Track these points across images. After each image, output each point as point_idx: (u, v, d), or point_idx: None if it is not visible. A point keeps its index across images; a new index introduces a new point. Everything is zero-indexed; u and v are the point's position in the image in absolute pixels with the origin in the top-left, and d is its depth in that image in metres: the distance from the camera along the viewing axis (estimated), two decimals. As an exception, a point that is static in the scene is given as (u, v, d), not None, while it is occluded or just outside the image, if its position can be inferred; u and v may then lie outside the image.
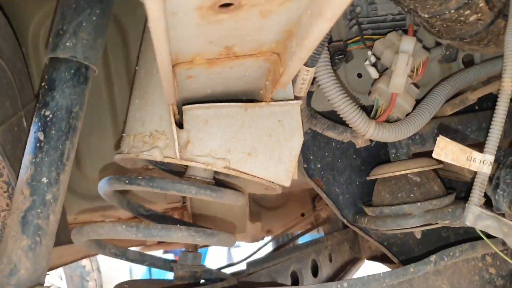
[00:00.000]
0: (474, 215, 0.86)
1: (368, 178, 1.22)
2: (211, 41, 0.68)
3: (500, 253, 1.02)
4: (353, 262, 2.10)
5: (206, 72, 0.80)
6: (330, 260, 1.92)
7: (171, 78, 0.69)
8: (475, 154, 0.85)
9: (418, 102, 1.18)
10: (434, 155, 0.88)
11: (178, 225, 0.94)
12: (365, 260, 2.21)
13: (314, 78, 1.04)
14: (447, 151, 0.86)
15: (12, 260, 0.87)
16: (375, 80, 1.18)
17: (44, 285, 0.89)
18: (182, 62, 0.73)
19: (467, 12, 0.85)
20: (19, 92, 1.24)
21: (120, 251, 1.17)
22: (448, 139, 0.87)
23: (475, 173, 0.87)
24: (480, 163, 0.85)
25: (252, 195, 2.43)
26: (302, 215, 2.87)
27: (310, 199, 2.81)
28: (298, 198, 2.86)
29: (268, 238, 3.31)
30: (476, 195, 0.86)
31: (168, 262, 1.18)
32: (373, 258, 2.16)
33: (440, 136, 0.89)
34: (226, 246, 1.07)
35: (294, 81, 0.99)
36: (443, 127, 1.17)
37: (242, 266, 1.48)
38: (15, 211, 0.91)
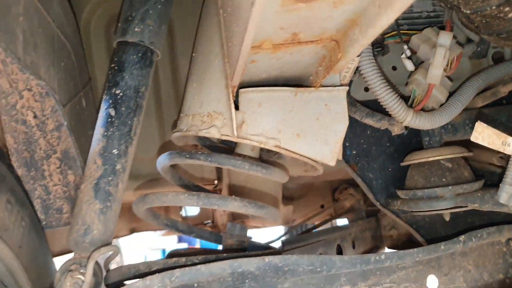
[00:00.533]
0: (508, 194, 0.94)
1: (402, 164, 1.30)
2: (282, 28, 0.76)
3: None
4: (375, 249, 2.18)
5: (268, 57, 0.89)
6: (353, 247, 2.01)
7: (245, 63, 0.78)
8: (510, 139, 0.93)
9: (450, 94, 1.25)
10: (472, 138, 0.96)
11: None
12: (386, 248, 2.29)
13: (357, 67, 1.12)
14: (484, 135, 0.93)
15: (86, 222, 0.96)
16: (411, 72, 1.26)
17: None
18: (252, 47, 0.82)
19: (507, 9, 0.92)
20: (79, 74, 1.34)
21: (171, 223, 1.26)
22: (485, 125, 0.94)
23: (509, 157, 0.95)
24: (514, 147, 0.92)
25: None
26: (322, 206, 2.95)
27: (331, 191, 2.88)
28: (318, 190, 2.93)
29: (284, 230, 3.40)
30: (510, 176, 0.94)
31: (214, 234, 1.27)
32: (394, 246, 2.24)
33: (479, 121, 0.96)
34: (272, 219, 1.15)
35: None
36: (476, 117, 1.25)
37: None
38: (88, 178, 1.00)
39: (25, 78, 1.30)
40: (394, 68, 1.36)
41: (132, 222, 2.83)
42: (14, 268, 1.04)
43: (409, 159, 1.26)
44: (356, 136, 1.38)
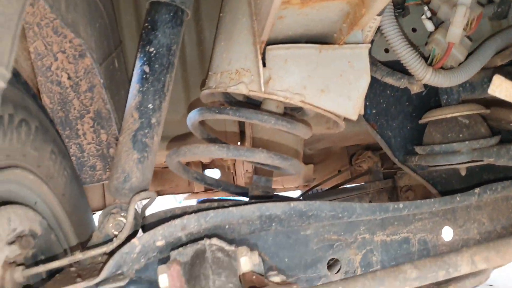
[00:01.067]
0: (522, 143, 0.98)
1: (421, 121, 1.34)
2: (311, -17, 0.80)
3: None
4: (391, 211, 2.24)
5: (296, 13, 0.93)
6: (370, 207, 2.06)
7: (275, 17, 0.82)
8: (527, 91, 0.96)
9: (469, 54, 1.28)
10: (489, 91, 0.99)
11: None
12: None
13: (378, 27, 1.15)
14: (502, 88, 0.97)
15: (125, 170, 1.03)
16: (431, 32, 1.29)
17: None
18: (281, 1, 0.86)
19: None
20: (111, 36, 1.39)
21: (200, 176, 1.33)
22: (503, 78, 0.97)
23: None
24: (530, 99, 0.96)
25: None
26: (339, 172, 3.01)
27: (348, 157, 2.93)
28: (336, 156, 2.99)
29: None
30: (525, 127, 0.98)
31: (240, 188, 1.34)
32: (410, 207, 2.29)
33: (496, 74, 0.99)
34: (296, 172, 1.21)
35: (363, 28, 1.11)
36: (487, 77, 1.28)
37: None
38: (126, 131, 1.07)
39: (59, 41, 1.37)
40: (414, 30, 1.38)
41: (157, 186, 2.94)
42: (59, 214, 1.12)
43: (428, 116, 1.30)
44: (376, 96, 1.42)
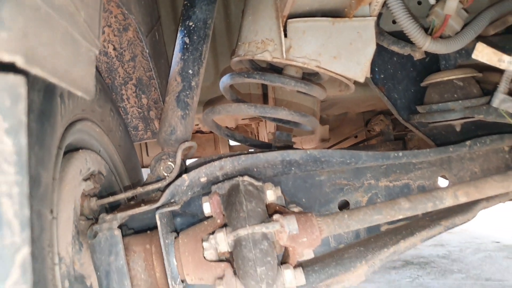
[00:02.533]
0: (499, 99, 1.14)
1: (422, 84, 1.51)
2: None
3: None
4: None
5: (312, -8, 1.10)
6: (381, 165, 2.24)
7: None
8: (505, 56, 1.12)
9: (466, 24, 1.43)
10: (473, 56, 1.16)
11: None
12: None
13: (385, 1, 1.31)
14: (483, 53, 1.13)
15: (171, 125, 1.24)
16: (432, 5, 1.44)
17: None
18: (299, -17, 1.03)
19: None
20: (153, 11, 1.59)
21: (230, 133, 1.54)
22: (484, 45, 1.14)
23: (503, 71, 1.15)
24: (508, 63, 1.12)
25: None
26: (355, 137, 3.19)
27: (364, 122, 3.10)
28: (352, 121, 3.16)
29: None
30: (503, 86, 1.14)
31: (265, 143, 1.54)
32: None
33: (479, 42, 1.15)
34: (312, 127, 1.39)
35: (369, 3, 1.27)
36: (486, 43, 1.43)
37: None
38: (171, 92, 1.26)
39: (105, 16, 1.58)
40: (419, 3, 1.53)
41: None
42: (116, 161, 1.35)
43: (428, 79, 1.47)
44: (384, 63, 1.58)
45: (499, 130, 1.53)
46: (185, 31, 1.27)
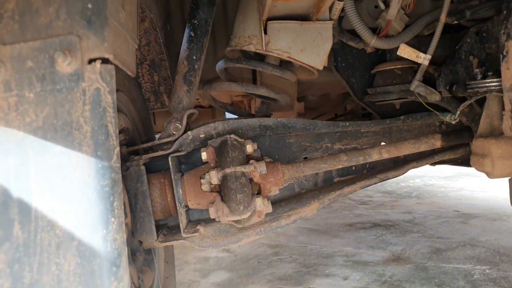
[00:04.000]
0: (415, 85, 1.56)
1: (372, 72, 1.92)
2: (289, -11, 1.38)
3: (435, 112, 1.71)
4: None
5: (283, 4, 1.51)
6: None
7: (270, 7, 1.41)
8: (421, 54, 1.53)
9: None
10: (398, 53, 1.57)
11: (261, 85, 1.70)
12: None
13: (343, 8, 1.72)
14: (405, 51, 1.54)
15: (179, 97, 1.64)
16: (382, 10, 1.84)
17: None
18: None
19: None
20: (165, 10, 1.99)
21: (224, 105, 1.96)
22: (406, 45, 1.55)
23: (420, 64, 1.56)
24: (423, 59, 1.53)
25: (298, 98, 3.19)
26: (336, 115, 3.61)
27: (344, 102, 3.52)
28: (334, 101, 3.57)
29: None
30: (418, 75, 1.56)
31: (251, 114, 1.96)
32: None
33: (402, 43, 1.56)
34: (285, 102, 1.81)
35: (331, 9, 1.68)
36: (419, 43, 1.84)
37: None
38: (180, 73, 1.67)
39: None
40: (376, 7, 1.93)
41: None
42: (137, 122, 1.76)
43: (376, 68, 1.88)
44: (345, 54, 1.99)
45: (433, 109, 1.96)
46: (191, 27, 1.68)
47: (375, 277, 2.40)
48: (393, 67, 1.81)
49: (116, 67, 0.89)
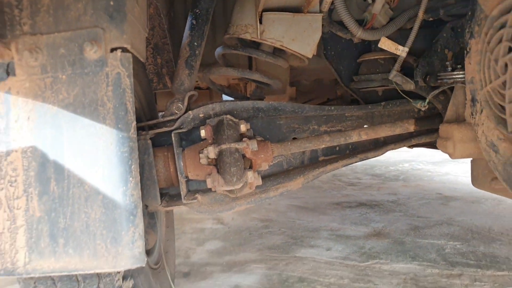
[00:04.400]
0: (393, 74, 1.74)
1: (358, 60, 2.10)
2: (282, -14, 1.54)
3: (409, 99, 1.89)
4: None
5: (277, -3, 1.67)
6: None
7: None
8: (400, 46, 1.71)
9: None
10: (379, 45, 1.74)
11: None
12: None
13: (332, 1, 1.88)
14: (385, 44, 1.71)
15: (181, 79, 1.81)
16: (369, 4, 2.00)
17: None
18: (268, -7, 1.60)
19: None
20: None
21: (221, 88, 2.13)
22: (386, 38, 1.72)
23: (398, 56, 1.74)
24: (401, 51, 1.71)
25: (293, 83, 3.36)
26: (328, 99, 3.78)
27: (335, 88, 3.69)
28: (326, 86, 3.74)
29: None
30: (396, 65, 1.74)
31: (246, 97, 2.13)
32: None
33: (383, 37, 1.73)
34: (276, 87, 1.99)
35: (321, 2, 1.84)
36: (402, 35, 2.00)
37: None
38: (182, 57, 1.83)
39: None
40: (364, 0, 2.10)
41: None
42: (143, 101, 1.94)
43: (362, 57, 2.06)
44: (334, 44, 2.15)
45: (412, 97, 2.14)
46: (193, 16, 1.83)
47: (356, 249, 2.61)
48: (376, 57, 1.98)
49: (132, 55, 1.07)
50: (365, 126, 2.02)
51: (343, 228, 3.06)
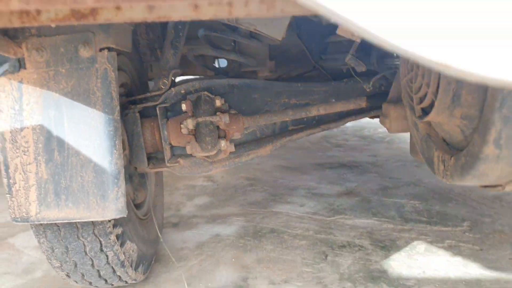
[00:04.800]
0: (348, 57, 2.00)
1: (327, 40, 2.34)
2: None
3: (359, 79, 2.15)
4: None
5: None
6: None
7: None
8: (355, 34, 1.95)
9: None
10: (337, 32, 1.99)
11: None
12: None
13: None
14: (343, 30, 1.96)
15: (167, 58, 2.07)
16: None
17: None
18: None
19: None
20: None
21: (205, 64, 2.39)
22: (344, 26, 1.96)
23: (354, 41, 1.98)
24: (356, 36, 1.95)
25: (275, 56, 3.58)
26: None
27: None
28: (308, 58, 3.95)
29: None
30: (352, 49, 1.99)
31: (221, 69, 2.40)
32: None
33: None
34: (251, 65, 2.25)
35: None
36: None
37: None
38: (168, 38, 2.09)
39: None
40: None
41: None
42: (135, 79, 2.20)
43: (329, 38, 2.30)
44: (307, 25, 2.39)
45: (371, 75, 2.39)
46: (177, 2, 2.07)
47: (326, 205, 2.94)
48: (341, 39, 2.23)
49: (117, 50, 1.33)
50: (333, 100, 2.29)
51: (319, 187, 3.39)
